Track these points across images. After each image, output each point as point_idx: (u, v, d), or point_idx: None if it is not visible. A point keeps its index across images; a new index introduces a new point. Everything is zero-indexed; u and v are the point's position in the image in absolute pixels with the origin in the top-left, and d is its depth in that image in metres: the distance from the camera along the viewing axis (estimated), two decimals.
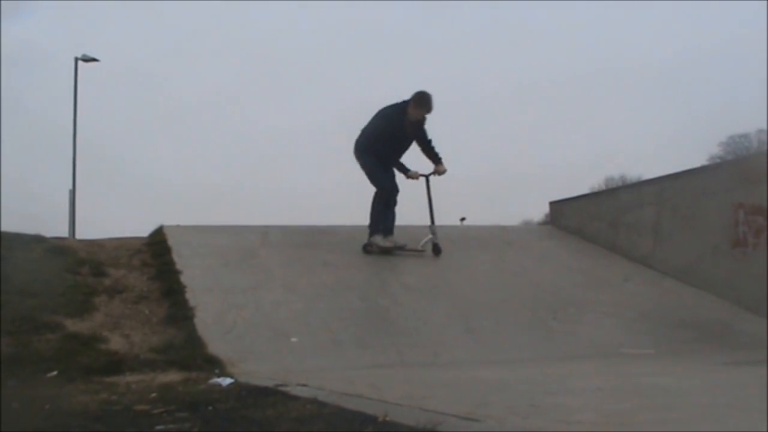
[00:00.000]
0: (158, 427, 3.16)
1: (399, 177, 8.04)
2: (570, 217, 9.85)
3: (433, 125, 7.86)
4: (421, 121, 7.83)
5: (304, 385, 4.10)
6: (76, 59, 24.03)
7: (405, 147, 7.99)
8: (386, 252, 7.81)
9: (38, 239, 7.38)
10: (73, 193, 22.85)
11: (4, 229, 7.40)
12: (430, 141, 7.92)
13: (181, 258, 6.98)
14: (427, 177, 8.06)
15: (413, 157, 8.02)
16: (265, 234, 8.09)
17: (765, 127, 33.17)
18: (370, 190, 7.91)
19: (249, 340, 5.61)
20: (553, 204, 10.35)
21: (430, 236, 7.95)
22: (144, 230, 8.06)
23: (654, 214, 8.54)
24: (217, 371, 4.83)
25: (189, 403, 3.72)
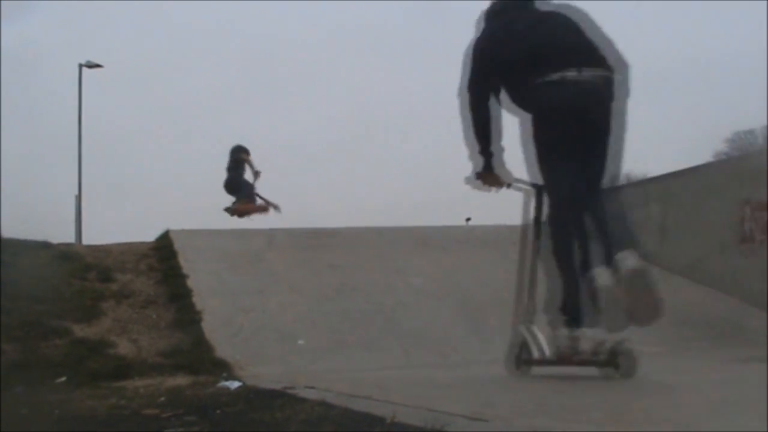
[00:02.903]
0: (167, 431, 3.17)
1: None
2: None
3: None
4: None
5: (312, 388, 4.10)
6: (80, 65, 24.09)
7: None
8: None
9: (45, 245, 7.42)
10: (78, 198, 22.92)
11: (10, 235, 7.44)
12: None
13: (187, 262, 7.00)
14: None
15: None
16: (271, 237, 8.11)
17: (766, 123, 32.97)
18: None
19: (256, 343, 5.62)
20: None
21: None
22: (150, 234, 8.10)
23: (659, 211, 8.52)
24: (224, 375, 4.84)
25: (197, 407, 3.72)
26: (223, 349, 5.35)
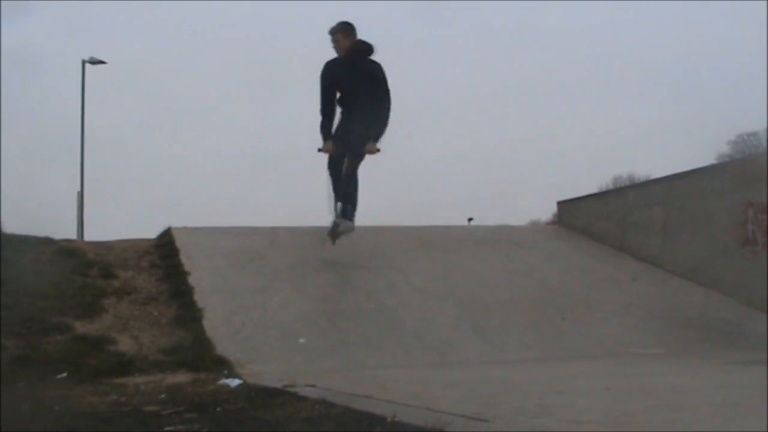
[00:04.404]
0: (167, 428, 3.17)
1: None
2: (578, 216, 9.83)
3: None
4: (356, 62, 7.07)
5: (313, 386, 4.10)
6: (83, 62, 24.07)
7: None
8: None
9: (47, 241, 7.41)
10: (81, 195, 22.90)
11: (12, 231, 7.45)
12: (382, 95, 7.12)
13: (189, 259, 7.00)
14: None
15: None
16: (273, 235, 8.10)
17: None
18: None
19: (257, 341, 5.62)
20: (560, 204, 10.34)
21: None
22: (152, 232, 8.09)
23: (662, 213, 8.51)
24: (225, 372, 4.84)
25: (198, 404, 3.73)
26: (224, 347, 5.36)
